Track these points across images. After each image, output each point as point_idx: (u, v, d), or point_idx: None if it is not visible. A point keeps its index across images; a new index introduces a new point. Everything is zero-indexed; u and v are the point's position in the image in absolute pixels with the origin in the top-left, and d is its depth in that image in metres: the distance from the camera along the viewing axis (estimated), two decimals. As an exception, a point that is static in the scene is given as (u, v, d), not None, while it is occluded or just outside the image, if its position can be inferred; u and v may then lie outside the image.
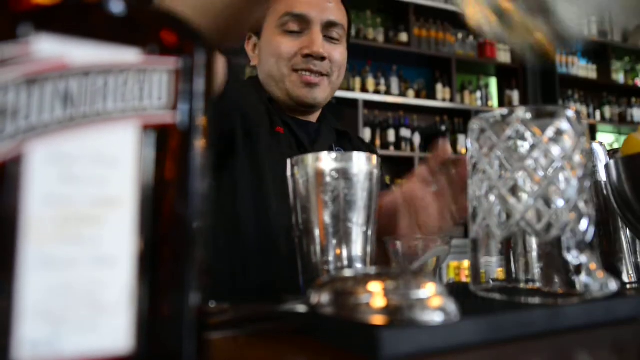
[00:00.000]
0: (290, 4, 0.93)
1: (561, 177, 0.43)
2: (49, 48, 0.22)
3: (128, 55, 0.24)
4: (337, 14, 0.96)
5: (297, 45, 0.93)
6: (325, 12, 0.93)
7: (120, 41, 0.24)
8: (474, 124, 0.47)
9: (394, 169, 3.65)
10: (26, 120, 0.22)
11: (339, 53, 0.97)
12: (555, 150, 0.43)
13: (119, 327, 0.24)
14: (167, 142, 0.25)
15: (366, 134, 3.45)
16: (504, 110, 0.45)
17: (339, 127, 1.10)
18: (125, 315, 0.24)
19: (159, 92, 0.25)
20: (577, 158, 0.44)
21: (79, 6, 0.23)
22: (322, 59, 0.93)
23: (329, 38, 0.95)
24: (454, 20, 3.91)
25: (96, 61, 0.23)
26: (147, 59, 0.24)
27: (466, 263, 3.14)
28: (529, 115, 0.44)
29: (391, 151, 3.51)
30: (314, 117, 1.05)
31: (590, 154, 0.46)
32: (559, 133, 0.43)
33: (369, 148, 1.18)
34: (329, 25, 0.94)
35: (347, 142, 1.09)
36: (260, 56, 0.99)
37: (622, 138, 4.64)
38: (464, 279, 3.17)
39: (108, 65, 0.23)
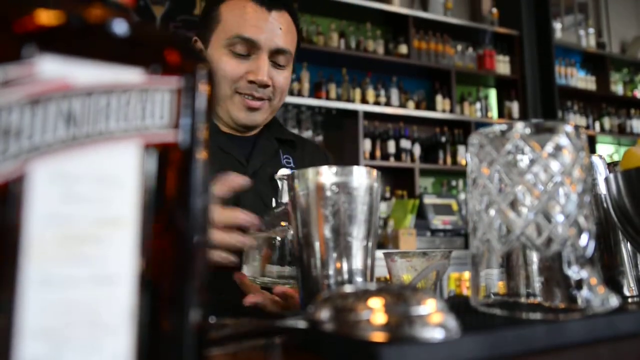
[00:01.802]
0: (241, 26, 0.93)
1: (561, 191, 0.43)
2: (53, 69, 0.23)
3: (131, 75, 0.24)
4: (286, 39, 0.96)
5: (244, 69, 0.94)
6: (275, 39, 0.94)
7: (123, 61, 0.24)
8: (474, 139, 0.47)
9: (394, 180, 3.65)
10: (29, 140, 0.22)
11: (282, 78, 0.98)
12: (555, 165, 0.43)
13: (119, 346, 0.24)
14: (168, 160, 0.26)
15: (366, 145, 3.46)
16: (503, 126, 0.45)
17: (284, 136, 1.10)
18: (126, 334, 0.24)
19: (161, 111, 0.25)
20: (577, 173, 0.44)
21: (82, 27, 0.24)
22: (266, 86, 0.95)
23: (275, 64, 0.97)
24: (454, 33, 3.93)
25: (99, 81, 0.23)
26: (149, 79, 0.25)
27: (467, 274, 3.13)
28: (528, 131, 0.44)
29: (391, 162, 3.51)
30: (250, 132, 1.07)
31: (589, 169, 0.47)
32: (558, 148, 0.44)
33: (325, 155, 1.17)
34: (276, 52, 0.95)
35: (297, 149, 1.10)
36: None
37: (622, 149, 4.65)
38: (465, 291, 3.16)
39: (111, 85, 0.24)
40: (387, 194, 3.54)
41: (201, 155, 0.27)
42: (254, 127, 1.02)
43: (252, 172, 0.97)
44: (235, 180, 0.67)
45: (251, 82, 0.94)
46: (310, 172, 0.54)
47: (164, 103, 0.25)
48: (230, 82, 0.94)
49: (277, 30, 0.94)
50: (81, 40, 0.24)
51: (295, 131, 3.31)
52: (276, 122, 1.11)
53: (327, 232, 0.53)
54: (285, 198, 0.73)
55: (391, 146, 3.54)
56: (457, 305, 0.52)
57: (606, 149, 4.64)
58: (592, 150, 4.16)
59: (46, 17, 0.23)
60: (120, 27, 0.25)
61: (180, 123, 0.26)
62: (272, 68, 0.96)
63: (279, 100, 1.00)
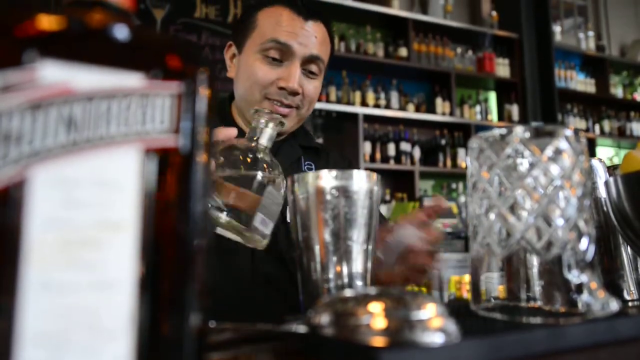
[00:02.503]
0: (277, 30, 0.93)
1: (561, 195, 0.43)
2: (54, 74, 0.23)
3: (131, 80, 0.24)
4: (321, 48, 0.97)
5: (275, 75, 0.94)
6: (309, 47, 0.94)
7: (124, 66, 0.24)
8: (474, 143, 0.48)
9: (394, 182, 3.65)
10: (30, 145, 0.22)
11: (313, 87, 0.98)
12: (555, 169, 0.43)
13: (119, 350, 0.24)
14: (169, 164, 0.26)
15: (366, 147, 3.46)
16: (503, 130, 0.45)
17: (307, 143, 1.11)
18: (126, 338, 0.24)
19: (161, 116, 0.25)
20: (576, 177, 0.44)
21: (83, 32, 0.24)
22: (295, 93, 0.95)
23: (307, 72, 0.97)
24: (453, 35, 3.94)
25: (100, 86, 0.23)
26: (150, 84, 0.25)
27: (467, 278, 3.13)
28: (527, 135, 0.44)
29: (391, 165, 3.51)
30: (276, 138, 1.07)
31: (589, 173, 0.47)
32: (558, 152, 0.44)
33: (349, 163, 1.19)
34: (309, 60, 0.95)
35: (322, 158, 1.10)
36: (237, 73, 1.00)
37: (622, 152, 4.65)
38: (465, 294, 3.15)
39: (112, 90, 0.24)
40: (387, 197, 3.54)
41: (201, 159, 0.27)
42: (280, 134, 1.02)
43: None
44: (223, 133, 0.67)
45: (281, 88, 0.94)
46: (310, 176, 0.54)
47: (164, 108, 0.25)
48: (261, 88, 0.94)
49: (311, 38, 0.95)
50: (82, 45, 0.24)
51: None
52: (303, 130, 1.11)
53: (327, 236, 0.53)
54: (263, 140, 0.67)
55: (391, 149, 3.54)
56: (457, 309, 0.52)
57: (606, 152, 4.64)
58: (592, 153, 4.16)
59: (47, 22, 0.23)
60: (121, 32, 0.25)
61: (180, 128, 0.26)
62: (303, 77, 0.96)
63: (307, 109, 1.00)
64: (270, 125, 0.68)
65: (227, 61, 1.05)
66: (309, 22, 0.95)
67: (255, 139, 0.67)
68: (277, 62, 0.94)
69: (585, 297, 0.42)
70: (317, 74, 0.98)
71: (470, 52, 4.05)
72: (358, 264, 0.54)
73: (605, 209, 0.65)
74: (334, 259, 0.53)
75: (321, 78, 1.01)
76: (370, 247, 0.55)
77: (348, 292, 0.38)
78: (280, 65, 0.94)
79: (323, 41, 0.98)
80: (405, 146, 3.59)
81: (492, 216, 0.45)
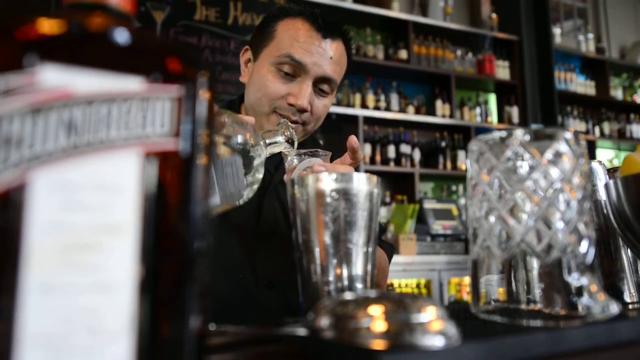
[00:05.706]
0: (294, 46, 0.93)
1: (561, 198, 0.43)
2: (54, 77, 0.23)
3: (132, 83, 0.24)
4: (334, 69, 0.96)
5: (285, 90, 0.94)
6: (323, 67, 0.94)
7: (124, 70, 0.24)
8: (474, 146, 0.48)
9: (394, 184, 3.65)
10: (30, 148, 0.22)
11: (322, 105, 0.98)
12: (554, 172, 0.43)
13: (119, 352, 0.24)
14: (169, 168, 0.26)
15: (366, 149, 3.47)
16: (503, 133, 0.45)
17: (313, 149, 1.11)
18: (126, 341, 0.24)
19: (161, 119, 0.25)
20: (576, 180, 0.44)
21: (83, 36, 0.24)
22: (304, 111, 0.95)
23: (318, 90, 0.96)
24: (453, 38, 3.95)
25: (100, 90, 0.23)
26: (150, 87, 0.25)
27: (467, 280, 3.13)
28: (527, 137, 0.44)
29: (391, 167, 3.51)
30: None
31: (589, 175, 0.47)
32: (558, 155, 0.44)
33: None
34: (322, 80, 0.95)
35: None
36: (250, 79, 1.00)
37: (622, 154, 4.65)
38: (465, 296, 3.16)
39: (112, 94, 0.24)
40: (387, 199, 3.54)
41: (201, 162, 0.27)
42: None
43: (278, 180, 1.00)
44: None
45: (291, 104, 0.93)
46: (310, 178, 0.54)
47: (164, 111, 0.25)
48: (271, 101, 0.94)
49: (327, 58, 0.94)
50: (82, 49, 0.24)
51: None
52: (312, 139, 1.11)
53: (327, 239, 0.53)
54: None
55: (391, 151, 3.54)
56: (457, 312, 0.52)
57: (606, 154, 4.65)
58: (592, 155, 4.16)
59: (47, 26, 0.23)
60: (121, 35, 0.25)
61: (180, 131, 0.26)
62: (313, 94, 0.96)
63: (314, 125, 1.00)
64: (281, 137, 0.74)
65: (242, 65, 1.04)
66: (327, 40, 0.95)
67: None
68: (289, 76, 0.93)
69: (585, 299, 0.42)
70: (329, 92, 0.98)
71: (470, 55, 4.06)
72: (358, 266, 0.54)
73: (605, 211, 0.65)
74: (334, 261, 0.53)
75: (332, 96, 1.00)
76: (370, 249, 0.55)
77: (348, 295, 0.38)
78: (293, 80, 0.94)
79: (338, 60, 0.97)
80: (405, 148, 3.59)
81: (492, 219, 0.45)
